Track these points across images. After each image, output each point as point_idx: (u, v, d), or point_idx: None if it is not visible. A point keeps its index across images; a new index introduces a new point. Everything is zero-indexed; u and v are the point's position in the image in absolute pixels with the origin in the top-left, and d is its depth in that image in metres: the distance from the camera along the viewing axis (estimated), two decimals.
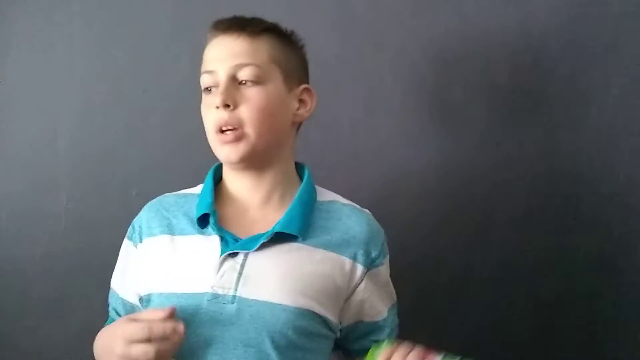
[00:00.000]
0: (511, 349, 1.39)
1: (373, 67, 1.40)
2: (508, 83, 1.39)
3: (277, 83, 0.99)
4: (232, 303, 0.91)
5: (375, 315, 1.02)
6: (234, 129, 0.95)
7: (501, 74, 1.39)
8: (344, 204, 1.05)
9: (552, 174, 1.40)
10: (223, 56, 0.97)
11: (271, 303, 0.91)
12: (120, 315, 1.04)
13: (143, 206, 1.07)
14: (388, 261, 1.04)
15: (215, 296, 0.91)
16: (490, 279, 1.40)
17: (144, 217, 1.04)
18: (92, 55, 1.42)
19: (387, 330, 1.03)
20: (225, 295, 0.91)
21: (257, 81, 0.96)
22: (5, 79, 1.42)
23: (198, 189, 1.05)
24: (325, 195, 1.05)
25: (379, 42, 1.40)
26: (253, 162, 0.99)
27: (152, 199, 1.08)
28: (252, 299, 0.91)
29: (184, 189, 1.08)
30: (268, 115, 0.97)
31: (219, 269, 0.93)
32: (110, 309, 1.08)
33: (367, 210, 1.06)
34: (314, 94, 1.05)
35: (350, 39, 1.40)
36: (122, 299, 1.04)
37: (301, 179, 1.05)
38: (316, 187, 1.05)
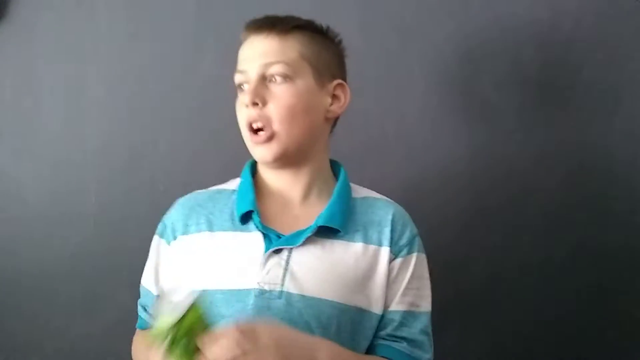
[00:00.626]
0: (542, 351, 1.38)
1: (401, 61, 1.39)
2: (538, 77, 1.37)
3: (307, 79, 0.98)
4: (280, 298, 0.92)
5: (386, 306, 0.99)
6: (264, 129, 0.95)
7: (531, 68, 1.37)
8: (377, 198, 1.06)
9: (583, 170, 1.37)
10: (253, 55, 0.97)
11: (317, 298, 0.92)
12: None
13: (170, 203, 1.07)
14: (423, 261, 1.03)
15: (263, 292, 0.92)
16: (519, 278, 1.38)
17: (177, 214, 1.04)
18: (118, 55, 1.43)
19: (387, 330, 0.98)
20: (273, 290, 0.92)
21: (286, 78, 0.96)
22: (33, 81, 1.43)
23: (232, 185, 1.05)
24: (359, 191, 1.06)
25: (407, 35, 1.38)
26: (288, 159, 0.99)
27: (179, 195, 1.07)
28: (299, 294, 0.92)
29: (210, 185, 1.08)
30: (298, 112, 0.97)
31: (265, 265, 0.93)
32: (140, 308, 1.08)
33: (398, 205, 1.06)
34: (348, 89, 1.04)
35: (377, 31, 1.38)
36: (155, 296, 1.04)
37: (335, 176, 1.06)
38: (351, 184, 1.06)
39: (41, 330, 1.44)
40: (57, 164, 1.44)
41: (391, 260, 0.98)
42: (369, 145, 1.39)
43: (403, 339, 0.98)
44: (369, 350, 0.99)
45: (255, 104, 0.95)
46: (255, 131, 0.97)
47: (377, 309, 0.97)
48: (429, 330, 1.01)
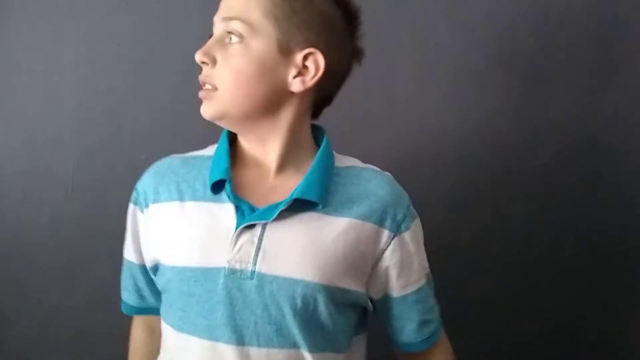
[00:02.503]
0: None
1: (390, 27, 1.34)
2: (530, 48, 1.34)
3: (266, 43, 0.87)
4: (252, 279, 0.86)
5: (404, 288, 0.94)
6: (208, 87, 0.89)
7: (525, 43, 1.34)
8: (363, 168, 0.97)
9: (574, 148, 1.36)
10: (221, 7, 0.90)
11: (292, 279, 0.86)
12: (140, 290, 1.01)
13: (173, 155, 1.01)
14: (419, 226, 0.97)
15: (233, 271, 0.86)
16: (507, 257, 1.38)
17: (150, 180, 0.97)
18: (99, 14, 1.37)
19: (419, 308, 0.96)
20: (244, 270, 0.86)
21: (241, 38, 0.86)
22: (9, 37, 1.38)
23: (209, 151, 0.97)
24: (342, 160, 0.97)
25: (397, 4, 1.34)
26: (235, 123, 0.92)
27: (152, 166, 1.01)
28: (272, 275, 0.86)
29: (213, 145, 1.00)
30: (246, 78, 0.87)
31: (236, 241, 0.87)
32: (123, 287, 1.03)
33: (387, 173, 0.98)
34: (322, 59, 0.89)
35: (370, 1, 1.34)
36: (139, 266, 0.99)
37: (317, 144, 0.97)
38: (334, 153, 0.98)
39: (15, 301, 1.41)
40: (34, 129, 1.39)
41: (387, 239, 0.91)
42: (356, 121, 1.36)
43: (432, 307, 0.98)
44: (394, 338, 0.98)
45: (204, 62, 0.88)
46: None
47: (359, 287, 0.91)
48: (434, 294, 1.00)
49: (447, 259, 1.32)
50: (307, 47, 0.89)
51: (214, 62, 0.87)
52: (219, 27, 0.89)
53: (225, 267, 0.86)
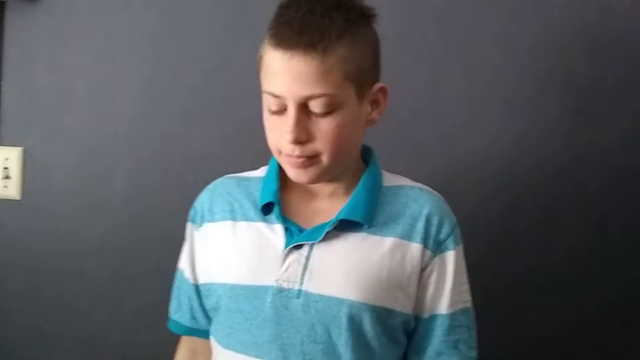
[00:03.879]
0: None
1: (440, 57, 1.34)
2: (584, 73, 1.31)
3: (351, 101, 0.87)
4: (298, 298, 0.87)
5: (434, 309, 0.92)
6: (307, 159, 0.87)
7: (577, 63, 1.31)
8: (412, 187, 0.97)
9: (623, 173, 1.31)
10: (290, 81, 0.84)
11: (338, 298, 0.87)
12: (194, 309, 1.01)
13: (199, 192, 1.04)
14: (461, 252, 0.95)
15: (281, 290, 0.88)
16: (556, 278, 1.33)
17: (206, 199, 1.00)
18: (152, 37, 1.42)
19: (441, 336, 0.92)
20: (291, 289, 0.88)
21: (331, 110, 0.85)
22: (65, 64, 1.43)
23: (261, 172, 1.01)
24: (392, 180, 0.98)
25: (446, 27, 1.34)
26: (324, 179, 0.92)
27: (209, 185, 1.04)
28: (318, 294, 0.87)
29: (264, 167, 1.02)
30: (344, 140, 0.88)
31: (284, 261, 0.89)
32: (179, 304, 1.03)
33: (436, 193, 0.98)
34: (388, 91, 0.94)
35: (416, 23, 1.34)
36: (194, 285, 1.00)
37: (366, 163, 0.98)
38: (383, 172, 0.99)
39: (64, 316, 1.45)
40: (86, 150, 1.44)
41: (428, 258, 0.91)
42: (404, 144, 1.35)
43: (456, 341, 0.93)
44: None
45: (300, 142, 0.86)
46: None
47: (404, 308, 0.90)
48: (475, 324, 0.96)
49: (489, 281, 1.30)
50: (374, 83, 0.92)
51: (309, 138, 0.86)
52: (291, 101, 0.84)
53: (273, 286, 0.88)
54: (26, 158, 1.45)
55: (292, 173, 0.90)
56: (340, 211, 0.90)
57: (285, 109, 0.86)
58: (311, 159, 0.88)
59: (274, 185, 0.94)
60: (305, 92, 0.84)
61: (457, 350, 0.93)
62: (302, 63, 0.83)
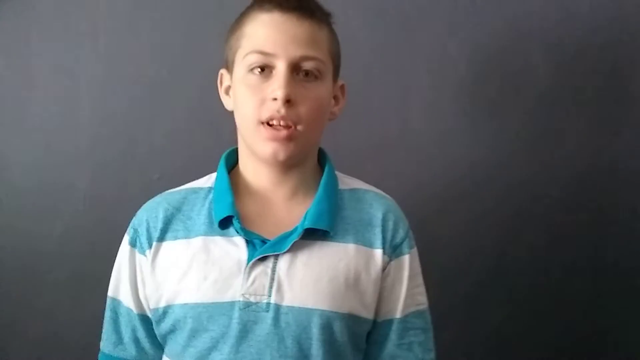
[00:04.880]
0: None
1: (406, 58, 1.35)
2: (546, 80, 1.34)
3: (329, 79, 0.92)
4: (267, 311, 0.85)
5: (387, 313, 0.92)
6: (287, 126, 0.86)
7: (540, 70, 1.34)
8: (366, 190, 0.98)
9: (589, 177, 1.35)
10: (286, 40, 0.86)
11: (308, 308, 0.85)
12: (139, 341, 0.94)
13: (164, 190, 0.99)
14: (415, 256, 0.96)
15: (248, 304, 0.85)
16: (515, 284, 1.36)
17: (148, 218, 0.94)
18: (117, 33, 1.39)
19: (393, 338, 0.92)
20: (259, 302, 0.85)
21: (318, 76, 0.88)
22: (26, 53, 1.39)
23: (207, 182, 0.97)
24: (345, 182, 0.98)
25: (413, 31, 1.35)
26: (292, 162, 0.91)
27: (174, 185, 1.00)
28: (288, 306, 0.85)
29: (206, 174, 1.00)
30: (320, 115, 0.90)
31: (249, 274, 0.86)
32: (119, 338, 0.95)
33: (389, 197, 0.99)
34: (346, 90, 0.98)
35: (382, 27, 1.35)
36: (138, 315, 0.94)
37: (320, 165, 0.98)
38: (337, 173, 0.99)
39: (25, 315, 1.41)
40: (48, 146, 1.40)
41: (385, 263, 0.91)
42: (371, 144, 1.36)
43: (410, 344, 0.92)
44: None
45: (288, 101, 0.85)
46: (272, 125, 0.86)
47: (369, 314, 0.90)
48: (431, 325, 0.96)
49: (456, 285, 1.33)
50: (337, 78, 0.96)
51: (296, 101, 0.86)
52: (283, 60, 0.86)
53: (239, 301, 0.85)
54: None
55: (270, 149, 0.87)
56: (305, 219, 0.89)
57: (271, 70, 0.87)
58: (291, 132, 0.86)
59: (228, 197, 0.90)
60: (300, 52, 0.86)
61: (412, 353, 0.93)
62: (299, 26, 0.87)
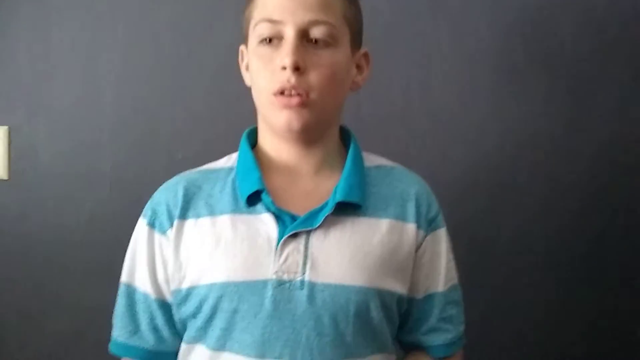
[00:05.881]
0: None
1: (430, 29, 1.33)
2: (573, 56, 1.31)
3: (345, 46, 0.88)
4: (302, 289, 0.82)
5: (429, 288, 0.92)
6: (299, 96, 0.84)
7: (566, 38, 1.31)
8: (393, 167, 0.97)
9: (618, 147, 1.32)
10: (293, 6, 0.84)
11: (345, 285, 0.83)
12: (158, 328, 0.90)
13: (188, 169, 0.97)
14: (447, 232, 0.96)
15: (281, 282, 0.82)
16: (543, 261, 1.34)
17: (167, 197, 0.91)
18: (136, 15, 1.39)
19: (437, 313, 0.93)
20: (293, 280, 0.83)
21: (330, 42, 0.85)
22: (48, 39, 1.41)
23: (227, 162, 0.94)
24: (370, 159, 0.95)
25: (438, 1, 1.33)
26: (311, 132, 0.88)
27: (197, 164, 0.98)
28: (323, 283, 0.83)
29: (229, 153, 0.98)
30: (336, 83, 0.87)
31: (281, 252, 0.83)
32: (136, 326, 0.91)
33: (415, 173, 0.98)
34: (370, 59, 0.95)
35: None
36: (157, 300, 0.90)
37: (344, 143, 0.96)
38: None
39: (53, 302, 1.43)
40: (72, 127, 1.42)
41: (420, 238, 0.90)
42: (392, 116, 1.34)
43: (450, 317, 0.94)
44: (406, 345, 0.96)
45: (297, 68, 0.82)
46: (284, 93, 0.84)
47: (404, 290, 0.89)
48: (462, 300, 0.97)
49: (480, 260, 1.32)
50: (360, 47, 0.93)
51: (305, 68, 0.84)
52: (292, 27, 0.84)
53: (272, 279, 0.83)
54: (11, 137, 1.43)
55: (284, 118, 0.85)
56: (335, 193, 0.86)
57: (281, 39, 0.85)
58: (303, 99, 0.84)
59: (255, 173, 0.88)
60: (308, 16, 0.84)
61: (451, 325, 0.94)
62: None
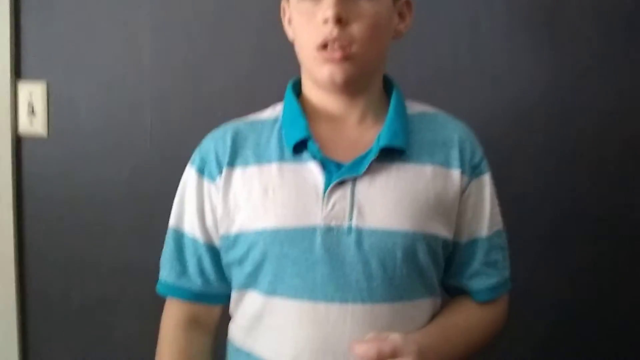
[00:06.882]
0: None
1: None
2: (628, 8, 1.26)
3: None
4: (349, 235, 0.84)
5: (473, 233, 0.93)
6: (342, 49, 0.83)
7: None
8: (436, 113, 0.96)
9: None
10: None
11: (392, 230, 0.84)
12: (205, 272, 0.93)
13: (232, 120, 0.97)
14: (491, 177, 0.95)
15: (329, 229, 0.84)
16: (592, 217, 1.31)
17: (216, 145, 0.92)
18: None
19: (481, 258, 0.93)
20: (340, 227, 0.84)
21: None
22: None
23: (270, 114, 0.95)
24: (413, 106, 0.95)
25: None
26: (356, 84, 0.88)
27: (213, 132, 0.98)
28: (371, 229, 0.84)
29: (273, 106, 0.98)
30: (378, 33, 0.86)
31: (328, 199, 0.85)
32: (183, 268, 0.94)
33: (460, 120, 0.96)
34: (412, 5, 0.93)
35: None
36: (205, 245, 0.93)
37: (387, 91, 0.95)
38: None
39: (95, 258, 1.45)
40: (111, 82, 1.41)
41: (464, 183, 0.90)
42: (441, 72, 1.31)
43: (495, 261, 0.94)
44: (450, 289, 0.96)
45: (339, 20, 0.82)
46: (326, 47, 0.83)
47: (449, 234, 0.90)
48: (507, 245, 0.97)
49: (524, 218, 1.29)
50: None
51: (348, 20, 0.83)
52: None
53: (320, 226, 0.84)
54: (50, 93, 1.42)
55: (327, 72, 0.85)
56: (379, 139, 0.87)
57: None
58: (346, 52, 0.83)
59: (301, 121, 0.89)
60: None
61: (495, 270, 0.95)
62: None
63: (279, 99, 0.96)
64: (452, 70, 1.31)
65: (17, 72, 1.42)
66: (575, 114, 1.29)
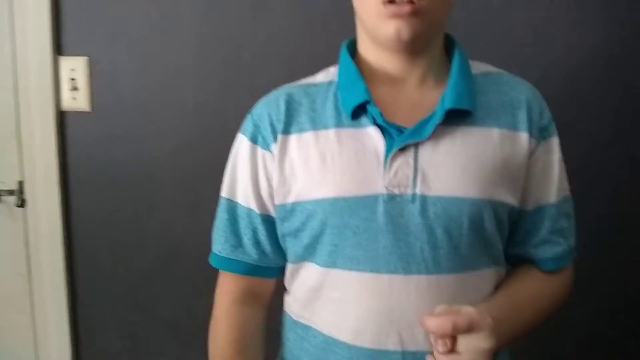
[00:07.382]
0: None
1: None
2: None
3: None
4: (413, 202, 0.79)
5: (540, 199, 0.87)
6: (410, 2, 0.76)
7: None
8: (501, 73, 0.90)
9: None
10: None
11: (458, 197, 0.79)
12: (261, 243, 0.90)
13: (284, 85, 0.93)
14: (558, 139, 0.89)
15: (392, 197, 0.80)
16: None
17: (270, 111, 0.87)
18: None
19: (548, 225, 0.88)
20: (404, 194, 0.79)
21: None
22: None
23: (324, 77, 0.90)
24: (476, 66, 0.89)
25: None
26: (420, 43, 0.81)
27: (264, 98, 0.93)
28: (436, 196, 0.79)
29: (326, 69, 0.92)
30: None
31: (391, 165, 0.80)
32: (238, 239, 0.90)
33: (525, 81, 0.90)
34: None
35: None
36: (261, 215, 0.89)
37: (447, 51, 0.89)
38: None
39: (142, 231, 1.45)
40: (153, 56, 1.39)
41: (532, 147, 0.84)
42: (494, 37, 1.26)
43: (562, 229, 0.89)
44: (512, 258, 0.90)
45: None
46: (394, 1, 0.77)
47: (515, 201, 0.85)
48: (573, 212, 0.92)
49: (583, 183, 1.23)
50: None
51: None
52: None
53: (383, 194, 0.80)
54: (92, 68, 1.41)
55: (393, 27, 0.78)
56: (443, 100, 0.81)
57: None
58: (415, 7, 0.76)
59: (360, 84, 0.82)
60: None
61: (562, 238, 0.90)
62: None
63: (324, 63, 0.91)
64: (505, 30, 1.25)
65: (59, 49, 1.42)
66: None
